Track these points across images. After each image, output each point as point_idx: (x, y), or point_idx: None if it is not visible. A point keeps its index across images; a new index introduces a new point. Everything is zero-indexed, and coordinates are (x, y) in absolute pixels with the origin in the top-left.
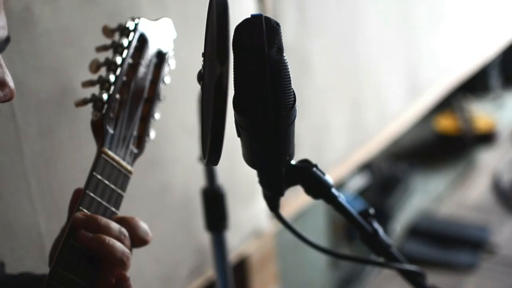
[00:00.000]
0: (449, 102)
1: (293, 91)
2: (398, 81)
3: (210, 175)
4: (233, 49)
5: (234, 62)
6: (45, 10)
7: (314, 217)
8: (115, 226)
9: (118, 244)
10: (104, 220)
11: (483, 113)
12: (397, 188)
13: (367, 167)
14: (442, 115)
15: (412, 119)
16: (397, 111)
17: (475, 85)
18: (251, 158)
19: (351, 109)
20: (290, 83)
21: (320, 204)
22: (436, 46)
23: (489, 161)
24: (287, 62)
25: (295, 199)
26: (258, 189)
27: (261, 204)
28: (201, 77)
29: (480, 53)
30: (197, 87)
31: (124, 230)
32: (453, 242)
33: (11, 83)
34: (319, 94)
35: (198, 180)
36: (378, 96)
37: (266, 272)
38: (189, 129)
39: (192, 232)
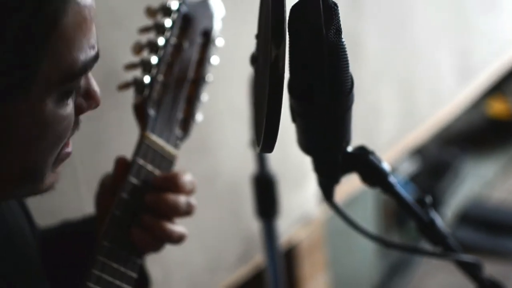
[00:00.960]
0: (500, 86)
1: (351, 75)
2: (450, 64)
3: (261, 161)
4: (289, 31)
5: (289, 44)
6: None
7: (364, 203)
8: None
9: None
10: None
11: None
12: (448, 174)
13: (418, 152)
14: (493, 99)
15: (465, 103)
16: (450, 95)
17: None
18: (306, 144)
19: (403, 93)
20: (348, 67)
21: (370, 189)
22: (488, 28)
23: None
24: (345, 45)
25: (345, 185)
26: (307, 175)
27: (310, 190)
28: (254, 59)
29: None
30: (246, 69)
31: (191, 202)
32: (505, 229)
33: (98, 93)
34: (371, 77)
35: (247, 165)
36: (430, 80)
37: (315, 259)
38: (238, 113)
39: (240, 218)
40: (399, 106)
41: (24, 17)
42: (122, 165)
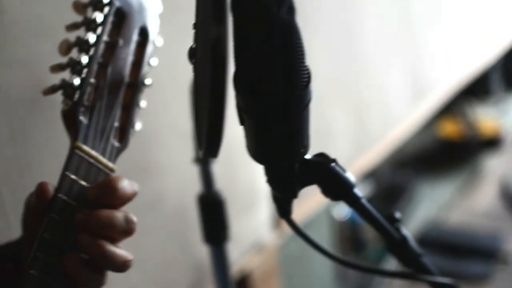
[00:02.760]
0: (451, 107)
1: (308, 66)
2: (400, 84)
3: (207, 179)
4: (232, 11)
5: (234, 28)
6: None
7: (318, 228)
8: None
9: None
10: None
11: (487, 117)
12: (402, 197)
13: (371, 175)
14: (445, 120)
15: (416, 124)
16: (401, 115)
17: (476, 89)
18: (257, 150)
19: (354, 113)
20: (304, 54)
21: (325, 214)
22: (438, 48)
23: (496, 167)
24: (299, 28)
25: (297, 209)
26: (260, 197)
27: (263, 214)
28: (193, 53)
29: (482, 55)
30: (188, 81)
31: (130, 217)
32: (464, 252)
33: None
34: (319, 98)
35: (193, 188)
36: (380, 99)
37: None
38: (182, 133)
39: (188, 245)
40: (350, 127)
41: None
42: (43, 193)
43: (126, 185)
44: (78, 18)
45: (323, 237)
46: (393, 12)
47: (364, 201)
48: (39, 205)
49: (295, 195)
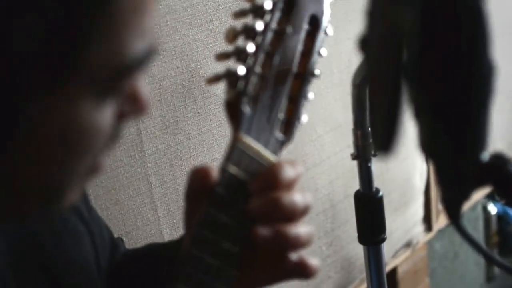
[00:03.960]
0: None
1: (493, 59)
2: None
3: (367, 177)
4: None
5: None
6: None
7: (471, 226)
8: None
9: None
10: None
11: None
12: None
13: None
14: None
15: None
16: None
17: None
18: (432, 146)
19: (509, 111)
20: (489, 44)
21: (481, 207)
22: None
23: None
24: (487, 13)
25: None
26: (415, 195)
27: (417, 214)
28: (364, 42)
29: None
30: (343, 79)
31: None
32: None
33: (145, 98)
34: None
35: (344, 183)
36: None
37: (417, 286)
38: (334, 125)
39: (338, 243)
40: (503, 127)
41: None
42: (202, 175)
43: (290, 174)
44: (231, 6)
45: (479, 232)
46: None
47: None
48: (196, 186)
49: (467, 197)
